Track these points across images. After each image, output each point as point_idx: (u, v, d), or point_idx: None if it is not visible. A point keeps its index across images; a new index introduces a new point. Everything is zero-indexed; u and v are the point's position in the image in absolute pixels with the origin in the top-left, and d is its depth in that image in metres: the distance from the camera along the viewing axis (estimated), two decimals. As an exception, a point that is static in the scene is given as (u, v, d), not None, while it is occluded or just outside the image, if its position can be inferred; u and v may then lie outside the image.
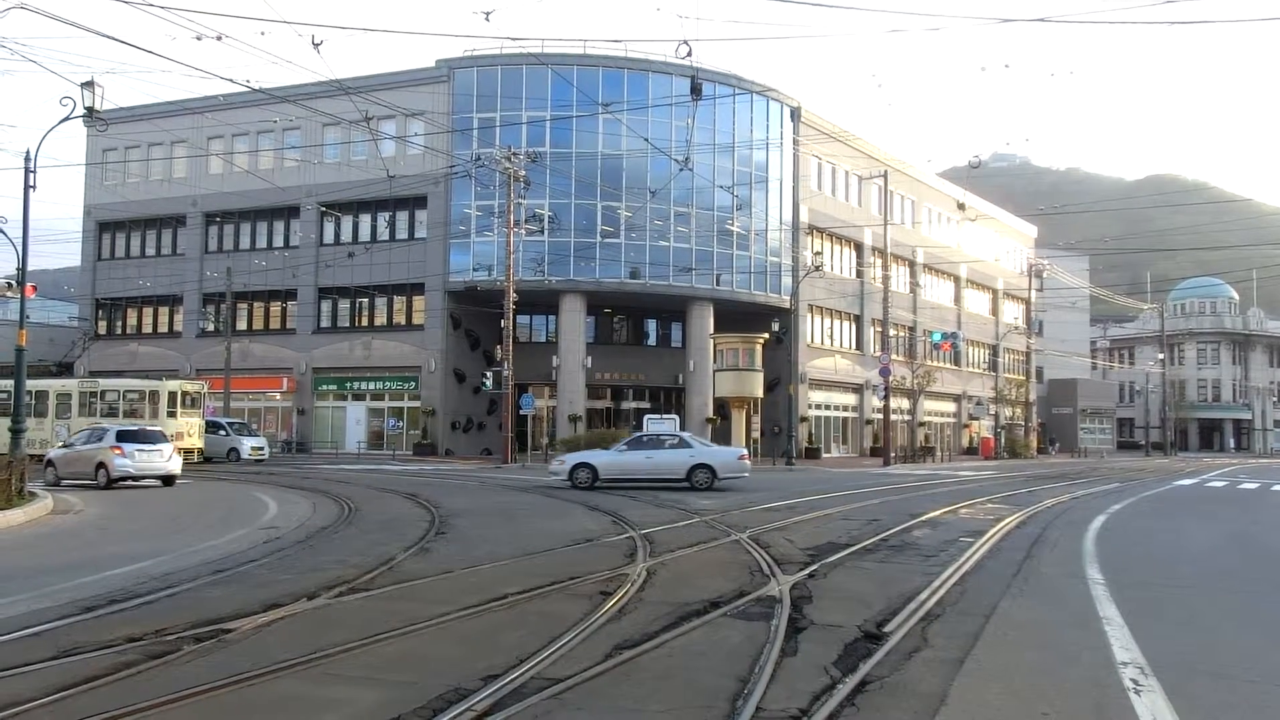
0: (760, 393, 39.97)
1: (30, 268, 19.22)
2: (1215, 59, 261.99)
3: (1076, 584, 9.15)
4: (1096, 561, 10.59)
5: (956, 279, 58.07)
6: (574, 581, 8.76)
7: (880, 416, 43.41)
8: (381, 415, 43.36)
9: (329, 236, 43.36)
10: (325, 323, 43.99)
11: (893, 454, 41.54)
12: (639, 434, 25.96)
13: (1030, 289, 64.13)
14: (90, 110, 18.05)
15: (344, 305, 43.71)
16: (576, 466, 21.79)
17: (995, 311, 62.94)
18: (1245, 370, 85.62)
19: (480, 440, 42.45)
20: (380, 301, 43.11)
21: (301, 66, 20.56)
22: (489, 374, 36.00)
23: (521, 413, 36.73)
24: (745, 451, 24.23)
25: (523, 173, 34.51)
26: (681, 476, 21.55)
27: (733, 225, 41.70)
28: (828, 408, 48.17)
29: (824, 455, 45.09)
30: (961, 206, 57.07)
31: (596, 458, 22.29)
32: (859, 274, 49.66)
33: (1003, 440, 55.83)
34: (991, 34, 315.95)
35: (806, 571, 9.44)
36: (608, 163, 39.81)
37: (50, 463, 22.63)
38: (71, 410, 32.97)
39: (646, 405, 43.60)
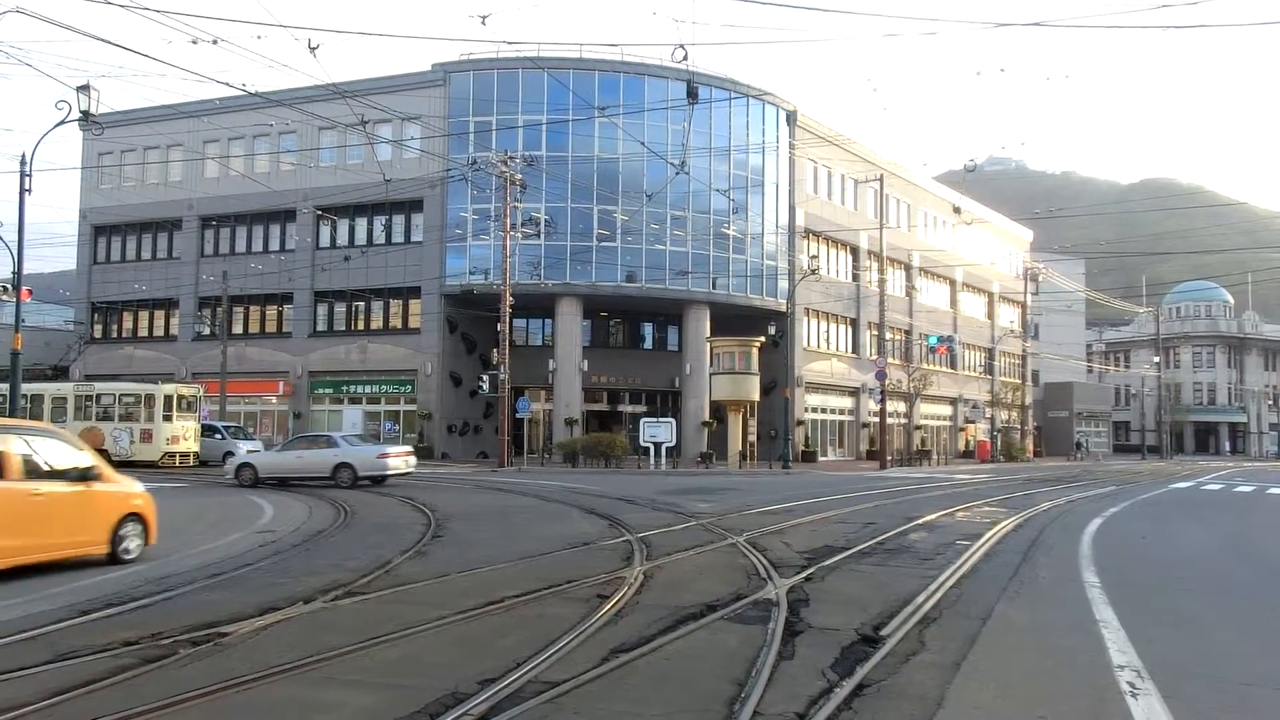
0: (757, 396, 39.96)
1: (26, 271, 19.20)
2: (1211, 63, 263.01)
3: (1073, 587, 9.16)
4: (1093, 564, 10.61)
5: (952, 282, 58.15)
6: (571, 585, 8.75)
7: (876, 420, 43.43)
8: (378, 419, 43.28)
9: (325, 240, 43.30)
10: (321, 326, 43.94)
11: (889, 457, 41.56)
12: (298, 436, 27.74)
13: (1026, 292, 64.21)
14: (86, 114, 18.04)
15: (340, 309, 43.64)
16: (240, 466, 23.59)
17: (991, 315, 63.02)
18: (1240, 374, 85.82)
19: (477, 444, 42.41)
20: (376, 305, 43.07)
21: (297, 70, 20.58)
22: (485, 377, 35.96)
23: (518, 416, 36.70)
24: (391, 450, 23.98)
25: (519, 176, 34.50)
26: (328, 474, 22.75)
27: (729, 229, 41.71)
28: (824, 411, 48.18)
29: (820, 458, 45.10)
30: (957, 210, 57.13)
31: (258, 458, 24.52)
32: (855, 277, 49.70)
33: (999, 443, 55.88)
34: (987, 38, 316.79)
35: (803, 575, 9.45)
36: (604, 166, 39.83)
37: None
38: (67, 414, 32.87)
39: (643, 409, 43.59)
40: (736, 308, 42.69)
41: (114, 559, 10.10)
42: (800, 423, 44.11)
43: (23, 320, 19.14)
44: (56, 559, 9.57)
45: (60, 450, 9.92)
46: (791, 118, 45.14)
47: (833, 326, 48.67)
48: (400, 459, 23.52)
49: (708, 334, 41.60)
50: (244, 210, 44.35)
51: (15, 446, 9.25)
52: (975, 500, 20.29)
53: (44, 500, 9.35)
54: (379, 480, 23.11)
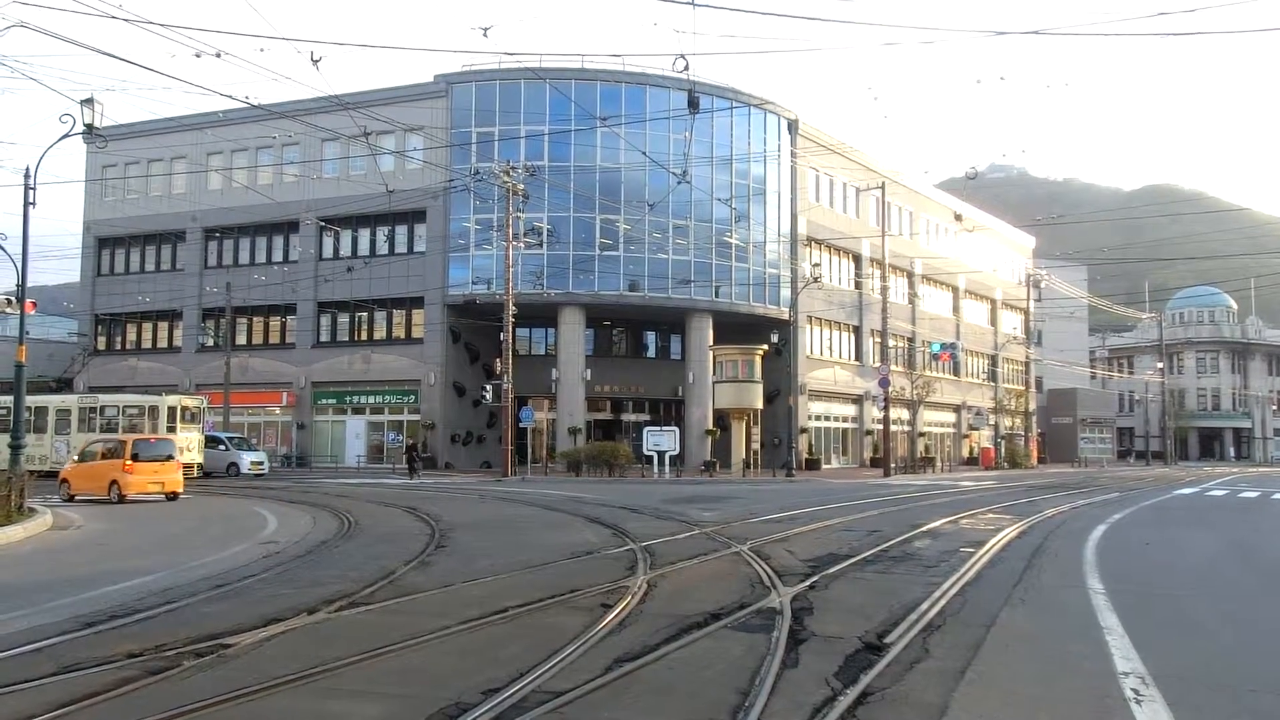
0: (760, 404, 39.96)
1: (30, 284, 19.24)
2: (1211, 69, 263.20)
3: (1077, 594, 9.14)
4: (1097, 571, 10.59)
5: (955, 289, 58.14)
6: (574, 594, 8.75)
7: (880, 427, 43.38)
8: (381, 429, 43.32)
9: (328, 251, 43.42)
10: (325, 337, 44.00)
11: (893, 465, 41.49)
12: None
13: (1029, 299, 64.18)
14: (90, 127, 18.09)
15: (343, 319, 43.73)
16: None
17: (994, 322, 62.99)
18: (1244, 379, 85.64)
19: (480, 453, 42.40)
20: (379, 315, 43.14)
21: (300, 82, 20.67)
22: (488, 387, 35.97)
23: (521, 426, 36.71)
24: None
25: (521, 186, 34.57)
26: None
27: (731, 237, 41.77)
28: (827, 419, 48.15)
29: (824, 466, 45.03)
30: (959, 217, 57.13)
31: None
32: (857, 285, 49.72)
33: (1003, 450, 55.78)
34: (986, 46, 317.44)
35: (807, 583, 9.43)
36: (606, 176, 39.91)
37: None
38: (71, 426, 32.94)
39: (646, 418, 43.57)
40: (739, 316, 42.73)
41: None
42: (804, 431, 44.07)
43: (27, 333, 19.17)
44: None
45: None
46: (793, 126, 45.22)
47: (835, 334, 48.68)
48: None
49: (710, 342, 41.63)
50: (247, 222, 44.49)
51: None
52: (979, 507, 20.25)
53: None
54: None
